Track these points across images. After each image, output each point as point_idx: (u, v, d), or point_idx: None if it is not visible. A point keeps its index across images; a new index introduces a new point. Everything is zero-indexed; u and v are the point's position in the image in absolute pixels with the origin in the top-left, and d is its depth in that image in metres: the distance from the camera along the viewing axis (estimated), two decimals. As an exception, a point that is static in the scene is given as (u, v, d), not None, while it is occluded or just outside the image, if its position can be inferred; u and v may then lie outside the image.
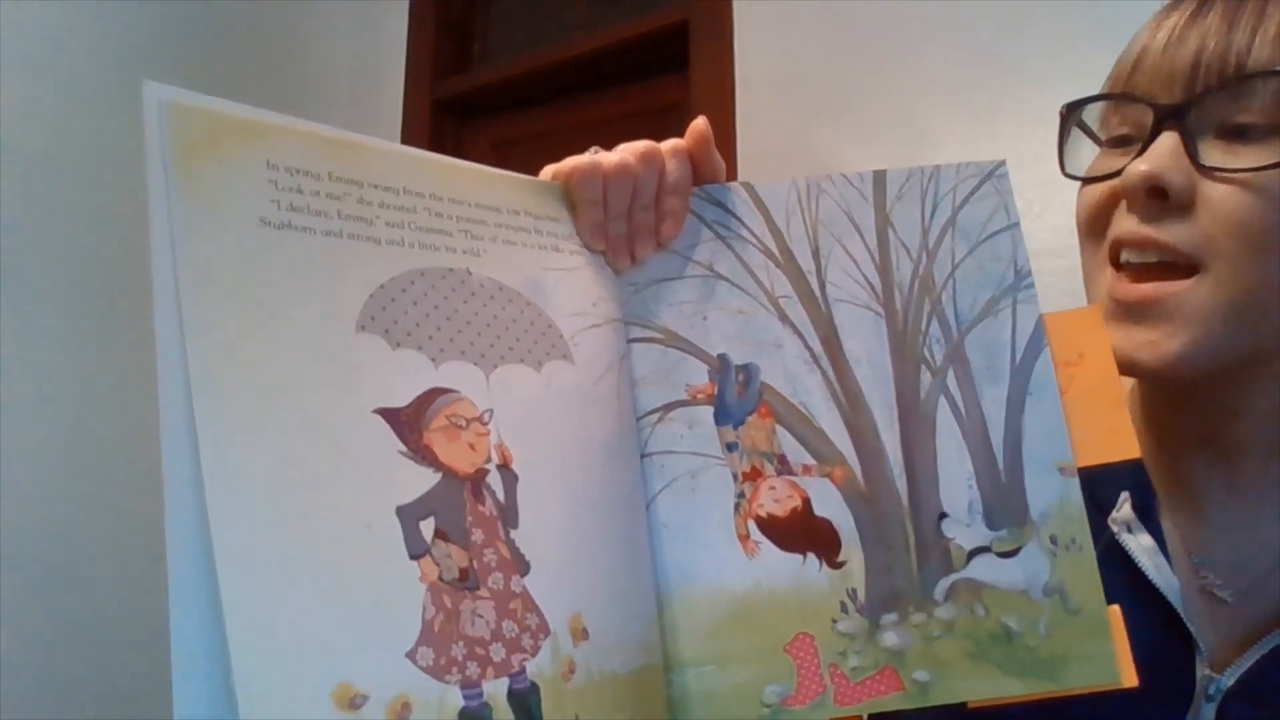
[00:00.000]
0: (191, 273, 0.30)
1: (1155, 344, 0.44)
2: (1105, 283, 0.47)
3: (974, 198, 0.48)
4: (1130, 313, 0.46)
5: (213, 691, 0.27)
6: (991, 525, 0.44)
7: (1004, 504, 0.44)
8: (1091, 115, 0.52)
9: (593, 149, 0.47)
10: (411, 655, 0.31)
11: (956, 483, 0.45)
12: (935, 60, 1.25)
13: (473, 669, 0.32)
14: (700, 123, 0.47)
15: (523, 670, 0.34)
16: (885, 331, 0.46)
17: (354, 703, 0.29)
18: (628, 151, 0.45)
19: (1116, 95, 0.48)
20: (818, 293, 0.47)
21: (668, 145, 0.46)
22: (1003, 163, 0.49)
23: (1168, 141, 0.44)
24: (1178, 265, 0.44)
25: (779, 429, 0.45)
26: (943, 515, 0.44)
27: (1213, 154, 0.44)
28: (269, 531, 0.29)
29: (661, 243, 0.47)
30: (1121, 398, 0.46)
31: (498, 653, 0.33)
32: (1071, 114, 0.52)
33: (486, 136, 1.88)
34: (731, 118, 1.41)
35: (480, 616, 0.33)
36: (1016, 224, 0.48)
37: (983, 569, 0.44)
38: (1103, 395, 0.46)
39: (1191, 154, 0.43)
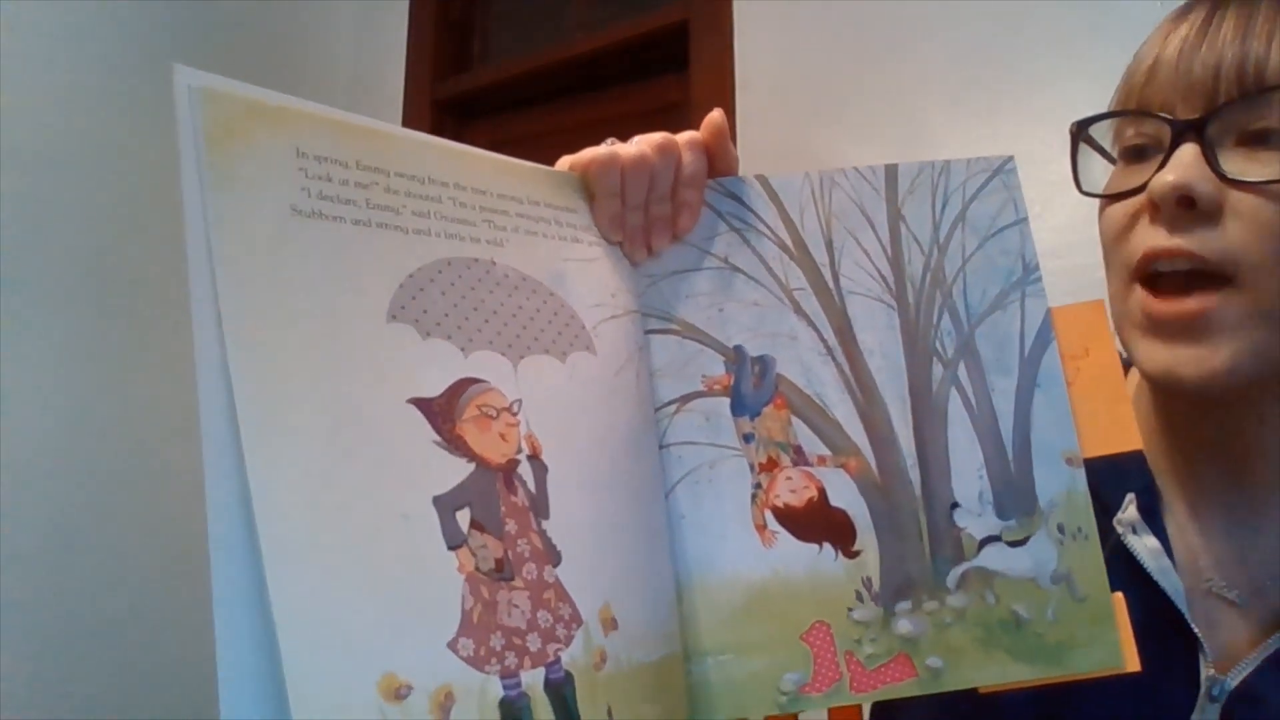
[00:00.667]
0: (227, 260, 0.30)
1: (1200, 360, 0.44)
2: (1135, 300, 0.47)
3: (983, 192, 0.49)
4: (1168, 329, 0.45)
5: (259, 686, 0.26)
6: (1001, 515, 0.45)
7: (1013, 494, 0.45)
8: (1101, 130, 0.51)
9: (609, 140, 0.46)
10: (453, 646, 0.31)
11: (968, 473, 0.45)
12: (935, 60, 1.24)
13: (511, 659, 0.32)
14: (716, 115, 0.47)
15: (558, 660, 0.34)
16: (898, 324, 0.47)
17: (399, 693, 0.29)
18: (645, 143, 0.45)
19: (1132, 111, 0.48)
20: (831, 285, 0.47)
21: (684, 138, 0.46)
22: (1011, 158, 0.50)
23: (1189, 152, 0.44)
24: (1207, 274, 0.44)
25: (794, 420, 0.46)
26: (954, 505, 0.45)
27: (1234, 162, 0.43)
28: (312, 523, 0.29)
29: (678, 235, 0.47)
30: (1124, 391, 0.47)
31: (534, 643, 0.33)
32: (1081, 131, 0.51)
33: (486, 136, 1.87)
34: (731, 118, 1.41)
35: (516, 607, 0.33)
36: (1025, 219, 0.49)
37: (993, 557, 0.45)
38: (1106, 388, 0.47)
39: (1214, 166, 0.43)
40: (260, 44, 1.76)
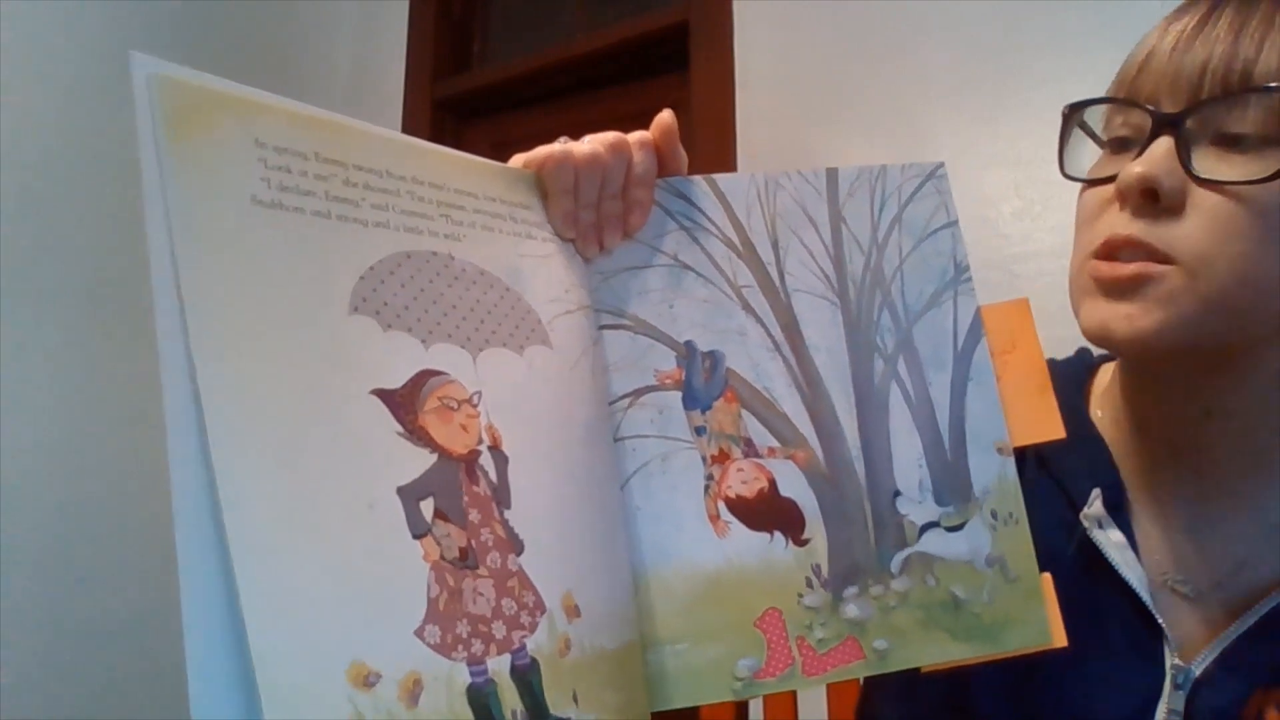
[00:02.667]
0: (189, 250, 0.29)
1: (1131, 318, 0.45)
2: (1088, 268, 0.48)
3: (917, 196, 0.51)
4: (1109, 289, 0.46)
5: (228, 675, 0.26)
6: (940, 502, 0.47)
7: (950, 482, 0.48)
8: (1094, 116, 0.53)
9: (562, 139, 0.47)
10: (419, 633, 0.31)
11: (908, 463, 0.48)
12: (935, 60, 1.25)
13: (477, 646, 0.32)
14: (666, 116, 0.48)
15: (523, 647, 0.34)
16: (841, 320, 0.49)
17: (368, 681, 0.28)
18: (597, 142, 0.46)
19: (1120, 100, 0.49)
20: (778, 283, 0.49)
21: (635, 137, 0.47)
22: (942, 164, 0.52)
23: (1163, 146, 0.44)
24: (1157, 257, 0.45)
25: (744, 413, 0.47)
26: (897, 493, 0.47)
27: (1206, 162, 0.44)
28: (278, 513, 0.28)
29: (629, 232, 0.48)
30: (1049, 383, 0.49)
31: (499, 630, 0.33)
32: (1074, 114, 0.52)
33: (486, 136, 1.86)
34: (731, 118, 1.41)
35: (481, 595, 0.33)
36: (955, 222, 0.51)
37: (933, 543, 0.47)
38: (1032, 381, 0.49)
39: (1184, 161, 0.44)
40: (260, 44, 1.75)
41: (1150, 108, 0.46)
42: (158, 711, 1.41)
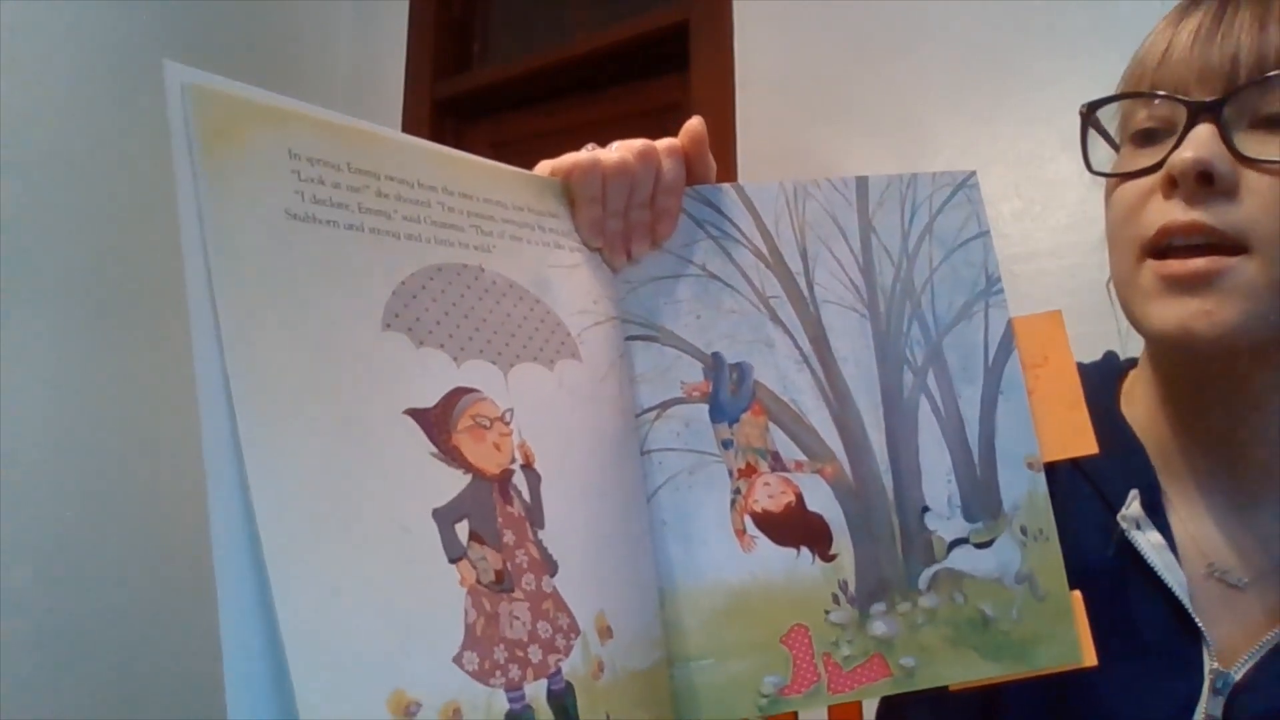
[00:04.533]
0: (224, 264, 0.29)
1: (1211, 314, 0.44)
2: (1147, 271, 0.47)
3: (948, 206, 0.51)
4: (1182, 287, 0.45)
5: (269, 706, 0.26)
6: (969, 518, 0.47)
7: (980, 497, 0.47)
8: (1107, 115, 0.52)
9: (589, 146, 0.46)
10: (458, 660, 0.30)
11: (937, 478, 0.47)
12: (935, 60, 1.24)
13: (514, 671, 0.32)
14: (695, 123, 0.47)
15: (559, 671, 0.34)
16: (870, 332, 0.48)
17: (409, 710, 0.28)
18: (626, 149, 0.45)
19: (1147, 93, 0.48)
20: (806, 294, 0.48)
21: (663, 144, 0.47)
22: (973, 173, 0.51)
23: (1206, 131, 0.44)
24: (1224, 248, 0.44)
25: (772, 426, 0.47)
26: (925, 509, 0.47)
27: (1249, 145, 0.44)
28: (315, 537, 0.28)
29: (657, 241, 0.47)
30: (1080, 398, 0.49)
31: (535, 654, 0.33)
32: (1091, 113, 0.52)
33: (486, 136, 1.85)
34: (731, 118, 1.40)
35: (517, 618, 0.33)
36: (987, 232, 0.51)
37: (961, 559, 0.46)
38: (1064, 395, 0.49)
39: (1230, 145, 0.44)
40: (260, 44, 1.74)
41: (1184, 98, 0.46)
42: (159, 711, 1.41)
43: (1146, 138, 0.49)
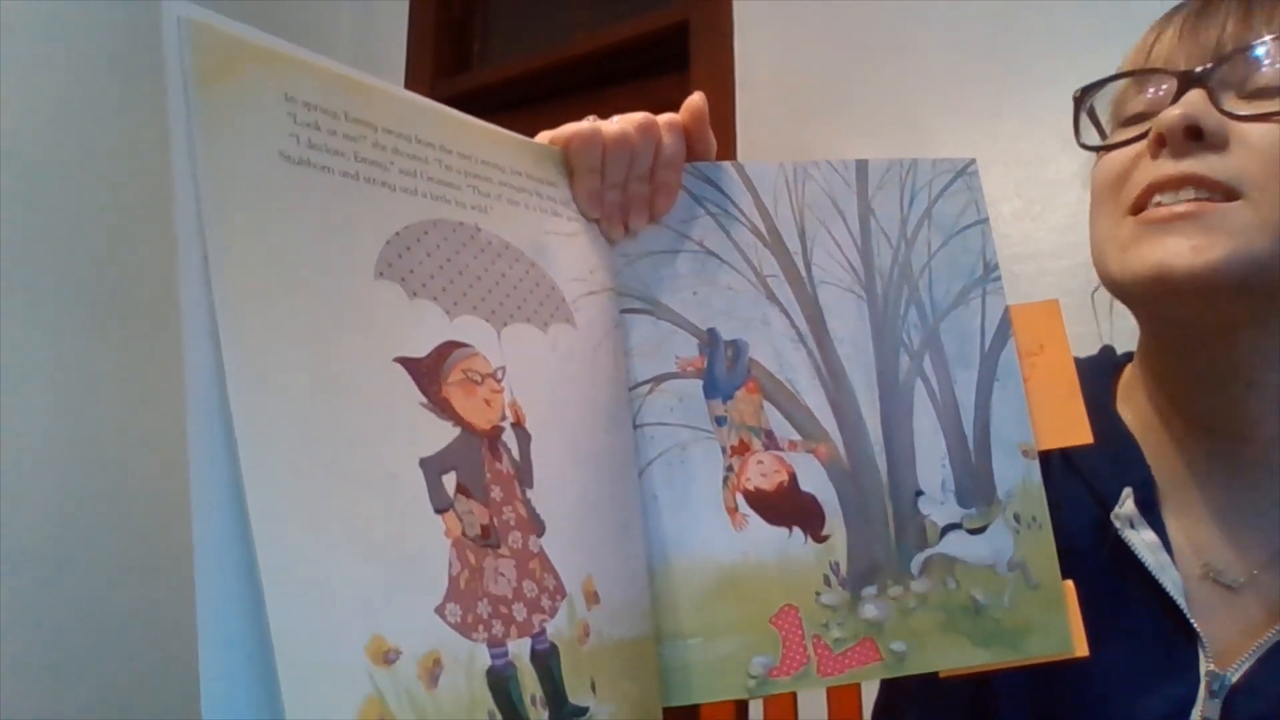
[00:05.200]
0: (216, 203, 0.28)
1: (1198, 249, 0.43)
2: (1126, 225, 0.47)
3: (948, 192, 0.50)
4: (1166, 228, 0.44)
5: (244, 650, 0.25)
6: (962, 503, 0.46)
7: (974, 483, 0.47)
8: (1102, 104, 0.53)
9: (590, 117, 0.46)
10: (440, 611, 0.29)
11: (931, 462, 0.46)
12: (935, 60, 1.24)
13: (498, 628, 0.31)
14: (697, 98, 0.47)
15: (543, 631, 0.33)
16: (867, 314, 0.48)
17: (388, 657, 0.27)
18: (626, 122, 0.45)
19: (1138, 72, 0.50)
20: (804, 273, 0.48)
21: (664, 119, 0.46)
22: (973, 161, 0.51)
23: (1195, 94, 0.45)
24: (1214, 198, 0.44)
25: (766, 404, 0.46)
26: (919, 492, 0.46)
27: (1238, 108, 0.45)
28: (299, 478, 0.27)
29: (655, 215, 0.47)
30: (1076, 387, 0.48)
31: (520, 612, 0.32)
32: (1084, 98, 0.52)
33: None
34: (731, 118, 1.40)
35: (503, 575, 0.32)
36: (986, 219, 0.50)
37: (954, 544, 0.46)
38: (1060, 384, 0.48)
39: (1218, 105, 0.45)
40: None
41: (1172, 70, 0.47)
42: (160, 711, 1.40)
43: (1137, 118, 0.49)
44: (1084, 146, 0.52)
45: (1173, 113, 0.45)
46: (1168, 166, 0.45)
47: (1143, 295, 0.48)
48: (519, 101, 1.81)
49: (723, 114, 1.41)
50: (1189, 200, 0.44)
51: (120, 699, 1.38)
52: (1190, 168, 0.44)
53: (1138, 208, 0.47)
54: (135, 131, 1.47)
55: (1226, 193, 0.44)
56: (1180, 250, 0.44)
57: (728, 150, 1.40)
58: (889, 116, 1.27)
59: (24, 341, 1.34)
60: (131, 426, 1.44)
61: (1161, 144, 0.46)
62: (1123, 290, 0.49)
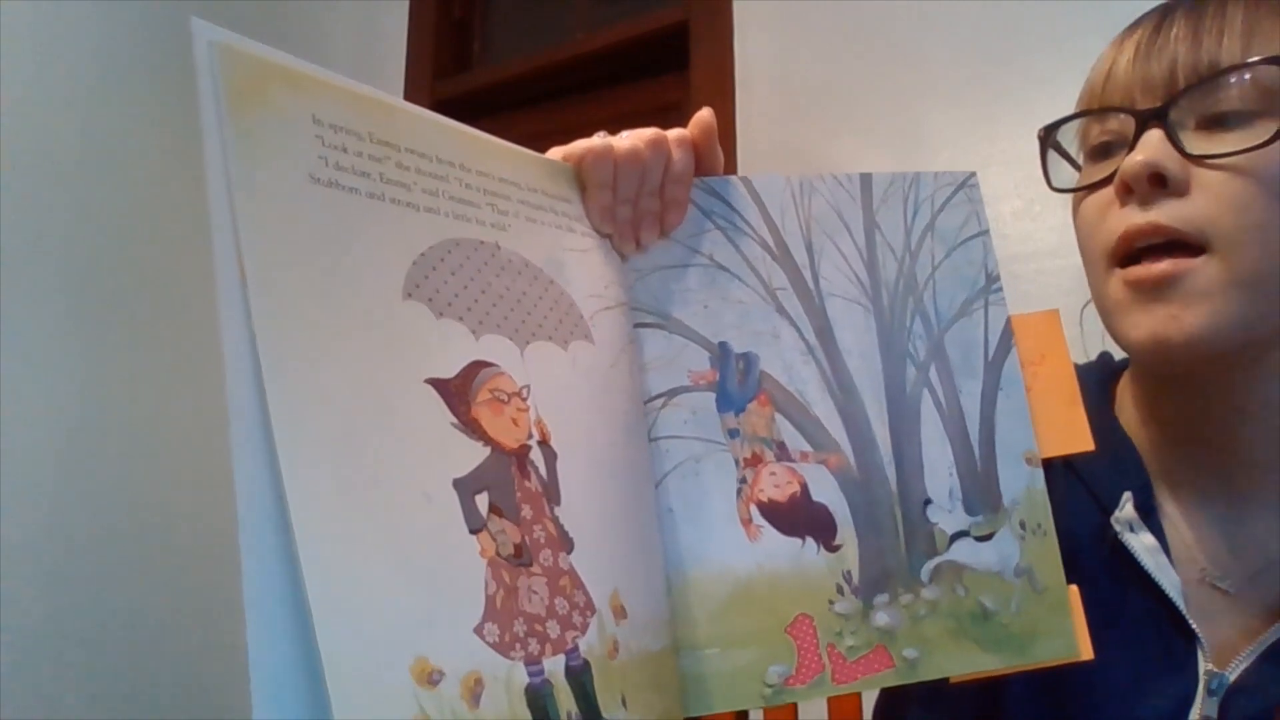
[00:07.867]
0: (251, 226, 0.28)
1: (1177, 318, 0.45)
2: (1114, 280, 0.49)
3: (949, 205, 0.51)
4: (1149, 293, 0.46)
5: (294, 674, 0.25)
6: (970, 511, 0.47)
7: (980, 491, 0.47)
8: (1067, 136, 0.54)
9: (600, 134, 0.46)
10: (479, 631, 0.30)
11: (939, 471, 0.47)
12: (935, 60, 1.24)
13: (534, 646, 0.31)
14: (705, 114, 0.48)
15: (576, 648, 0.33)
16: (874, 326, 0.49)
17: (432, 679, 0.27)
18: (637, 138, 0.46)
19: (1095, 111, 0.51)
20: (812, 286, 0.49)
21: (673, 134, 0.47)
22: (974, 174, 0.52)
23: (1154, 135, 0.46)
24: (1186, 246, 0.45)
25: (778, 416, 0.47)
26: (927, 501, 0.47)
27: (1197, 144, 0.46)
28: (341, 501, 0.27)
29: (665, 230, 0.47)
30: (1078, 395, 0.49)
31: (553, 629, 0.32)
32: (1048, 136, 0.54)
33: None
34: (731, 118, 1.40)
35: (535, 593, 0.32)
36: (987, 231, 0.51)
37: (963, 552, 0.47)
38: (1061, 393, 0.50)
39: (1178, 147, 0.45)
40: (260, 43, 1.74)
41: (1129, 109, 0.48)
42: (161, 711, 1.39)
43: (1103, 151, 0.51)
44: (1055, 189, 0.54)
45: (1135, 160, 0.46)
46: (1136, 216, 0.47)
47: (1148, 360, 0.51)
48: (519, 101, 1.80)
49: (723, 114, 1.41)
50: (1164, 256, 0.46)
51: (120, 699, 1.37)
52: (1157, 217, 0.46)
53: (1120, 257, 0.48)
54: (136, 131, 1.46)
55: (1195, 246, 0.45)
56: (1164, 321, 0.46)
57: (728, 150, 1.40)
58: (889, 116, 1.26)
59: (24, 342, 1.33)
60: (132, 427, 1.43)
61: (1128, 191, 0.47)
62: (1129, 351, 0.52)
